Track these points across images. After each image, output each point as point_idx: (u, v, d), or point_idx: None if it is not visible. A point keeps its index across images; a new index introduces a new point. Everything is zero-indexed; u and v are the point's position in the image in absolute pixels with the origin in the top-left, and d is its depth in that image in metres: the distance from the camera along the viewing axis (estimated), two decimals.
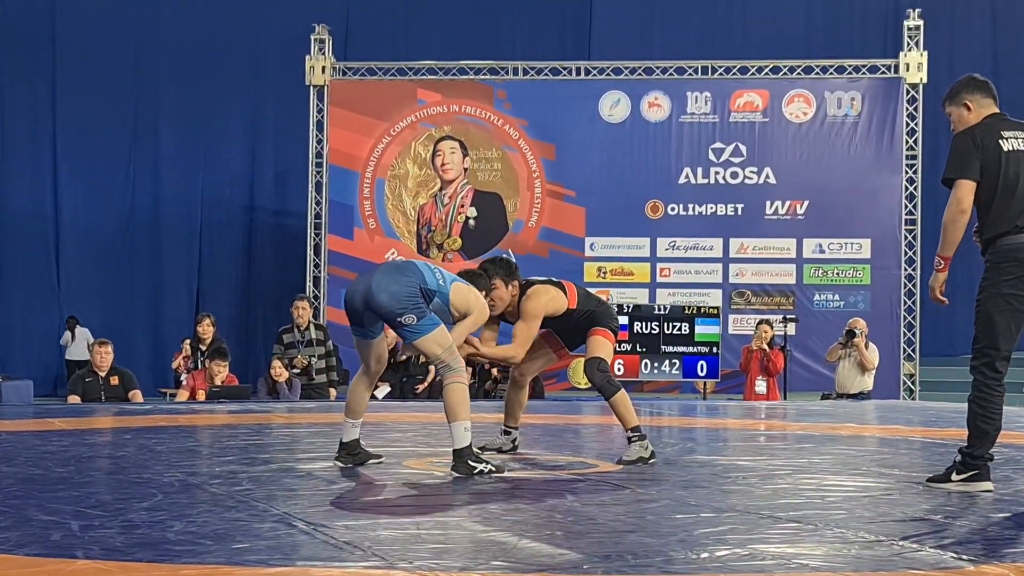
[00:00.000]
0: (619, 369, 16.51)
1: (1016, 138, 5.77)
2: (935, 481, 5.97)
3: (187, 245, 22.40)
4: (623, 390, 7.08)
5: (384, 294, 6.46)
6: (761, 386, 15.69)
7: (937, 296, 5.99)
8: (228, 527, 4.51)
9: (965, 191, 5.72)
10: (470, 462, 6.35)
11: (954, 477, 5.86)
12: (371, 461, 6.84)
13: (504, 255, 7.46)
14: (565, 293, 7.25)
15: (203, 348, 13.96)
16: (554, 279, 7.41)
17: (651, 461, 6.92)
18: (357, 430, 6.88)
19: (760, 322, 16.35)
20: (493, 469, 6.36)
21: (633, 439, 7.00)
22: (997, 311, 5.68)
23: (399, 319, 6.42)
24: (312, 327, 14.12)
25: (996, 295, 5.70)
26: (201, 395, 13.27)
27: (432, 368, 18.41)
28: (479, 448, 6.79)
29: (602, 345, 7.18)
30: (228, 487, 5.69)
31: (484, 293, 6.93)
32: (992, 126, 5.83)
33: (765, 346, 15.66)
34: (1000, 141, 5.73)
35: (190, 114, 22.53)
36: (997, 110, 5.96)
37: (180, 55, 22.66)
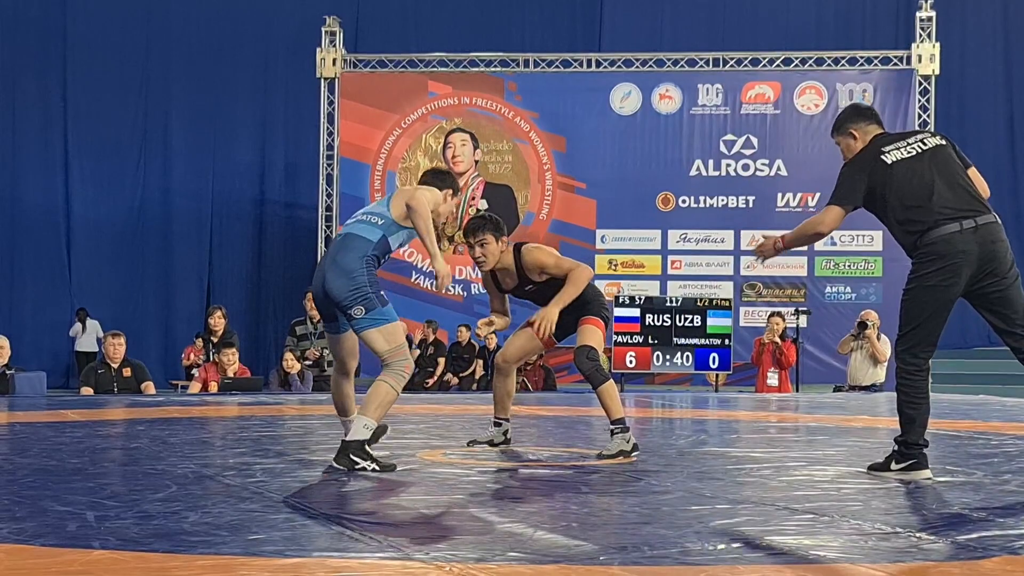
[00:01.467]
0: (631, 361, 16.51)
1: (897, 149, 5.96)
2: (875, 469, 6.09)
3: (197, 238, 22.42)
4: (611, 381, 7.00)
5: (334, 288, 6.19)
6: (773, 379, 15.66)
7: (760, 251, 6.36)
8: (243, 518, 4.50)
9: (834, 216, 6.01)
10: (353, 456, 6.03)
11: (893, 466, 5.98)
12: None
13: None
14: None
15: (214, 340, 13.97)
16: None
17: (633, 454, 6.79)
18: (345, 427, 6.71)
19: (772, 314, 16.32)
20: (377, 468, 5.98)
21: (616, 431, 6.89)
22: (918, 302, 5.81)
23: (349, 311, 6.18)
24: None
25: (920, 287, 5.81)
26: (213, 387, 13.28)
27: (441, 361, 18.45)
28: (470, 442, 6.99)
29: (592, 333, 7.05)
30: (242, 479, 5.68)
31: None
32: (871, 148, 6.04)
33: (777, 339, 15.63)
34: (882, 157, 5.94)
35: (200, 107, 22.54)
36: (880, 131, 6.16)
37: (190, 48, 22.67)
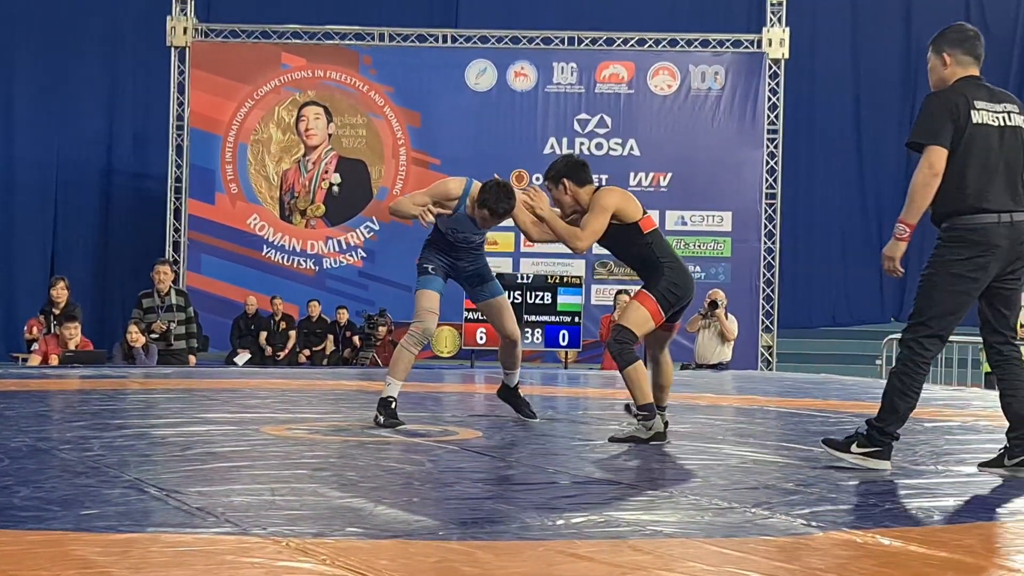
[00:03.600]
0: (482, 338, 16.55)
1: (987, 110, 5.46)
2: (831, 446, 5.71)
3: (41, 208, 21.82)
4: (635, 365, 6.44)
5: None
6: None
7: (895, 267, 5.51)
8: (77, 493, 4.40)
9: (937, 156, 5.41)
10: (379, 411, 7.03)
11: (853, 448, 5.59)
12: (521, 415, 7.66)
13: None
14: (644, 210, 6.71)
15: (56, 312, 13.64)
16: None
17: (652, 443, 6.39)
18: (511, 378, 7.66)
19: (619, 292, 16.50)
20: (381, 422, 6.96)
21: (639, 417, 6.50)
22: (939, 289, 5.41)
23: None
24: (173, 292, 13.87)
25: (944, 273, 5.41)
26: (54, 360, 12.99)
27: (292, 335, 18.30)
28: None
29: (633, 312, 6.53)
30: (79, 452, 5.56)
31: (565, 185, 6.75)
32: (964, 93, 5.50)
33: None
34: (972, 112, 5.44)
35: (45, 74, 21.92)
36: (977, 72, 5.60)
37: (35, 14, 22.03)
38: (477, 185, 7.11)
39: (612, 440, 6.50)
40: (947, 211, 5.46)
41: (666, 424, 6.63)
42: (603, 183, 18.93)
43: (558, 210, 6.86)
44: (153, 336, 13.61)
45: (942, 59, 5.60)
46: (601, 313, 17.90)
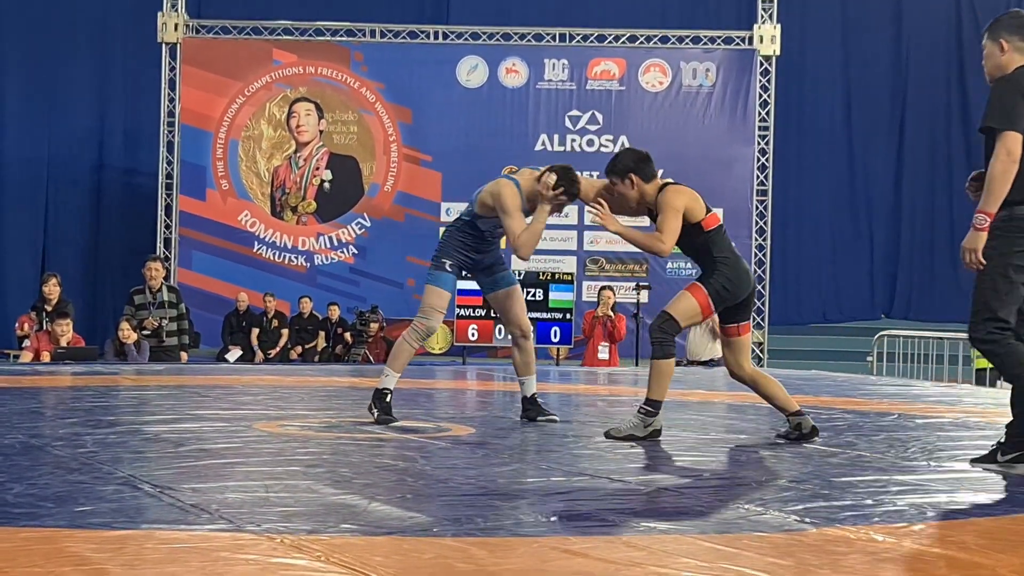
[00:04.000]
0: (473, 335, 16.55)
1: None
2: (979, 462, 5.60)
3: (32, 204, 21.77)
4: (667, 361, 6.35)
5: None
6: (604, 352, 15.88)
7: (977, 259, 5.30)
8: (71, 489, 4.40)
9: (1015, 142, 5.23)
10: (373, 402, 7.01)
11: (999, 457, 5.50)
12: (541, 418, 7.25)
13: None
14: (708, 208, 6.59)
15: (48, 309, 13.62)
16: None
17: (647, 440, 6.27)
18: (527, 386, 7.36)
19: (603, 288, 16.54)
20: (375, 412, 6.95)
21: (641, 411, 6.37)
22: (1004, 279, 5.30)
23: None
24: (164, 289, 13.85)
25: (1006, 264, 5.29)
26: (46, 356, 12.97)
27: (285, 333, 18.29)
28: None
29: (681, 300, 6.41)
30: (72, 449, 5.56)
31: (632, 180, 6.57)
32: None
33: (610, 312, 15.86)
34: None
35: (36, 71, 21.86)
36: None
37: (24, 10, 21.97)
38: (525, 174, 7.02)
39: (608, 436, 6.42)
40: (1010, 199, 5.30)
41: (813, 428, 6.54)
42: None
43: (625, 219, 6.76)
44: (145, 333, 13.60)
45: (999, 45, 5.51)
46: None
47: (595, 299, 18.60)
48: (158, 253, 18.53)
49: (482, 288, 7.42)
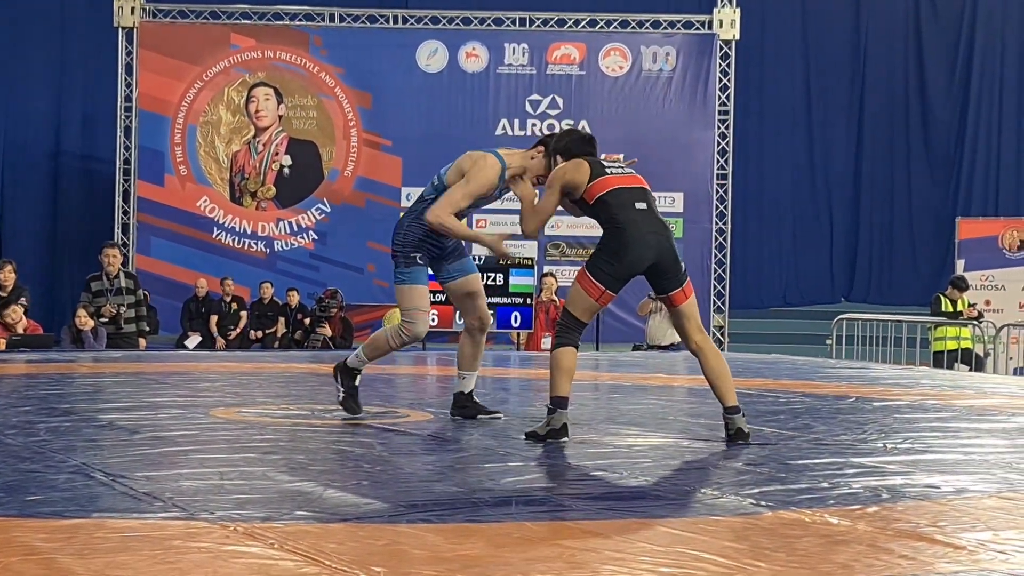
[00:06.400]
0: (433, 320, 16.48)
1: None
2: None
3: None
4: (562, 351, 5.84)
5: (392, 237, 6.65)
6: (547, 342, 15.89)
7: None
8: (22, 479, 4.36)
9: None
10: (338, 375, 6.58)
11: None
12: (483, 416, 6.67)
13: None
14: (602, 174, 5.99)
15: (3, 296, 13.50)
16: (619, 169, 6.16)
17: (549, 440, 5.72)
18: (468, 382, 6.78)
19: (544, 274, 16.58)
20: (342, 397, 6.55)
21: (549, 409, 5.84)
22: None
23: (394, 263, 6.63)
24: (122, 275, 13.76)
25: None
26: (1, 344, 12.86)
27: (243, 315, 18.20)
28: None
29: (572, 291, 5.99)
30: (24, 438, 5.51)
31: (547, 154, 6.31)
32: None
33: (553, 296, 15.94)
34: None
35: None
36: None
37: None
38: (509, 153, 6.57)
39: (526, 436, 5.86)
40: None
41: (740, 431, 5.79)
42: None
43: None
44: (103, 320, 13.51)
45: None
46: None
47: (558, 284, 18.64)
48: (116, 239, 18.39)
49: (440, 275, 6.76)
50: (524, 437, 5.85)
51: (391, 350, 6.61)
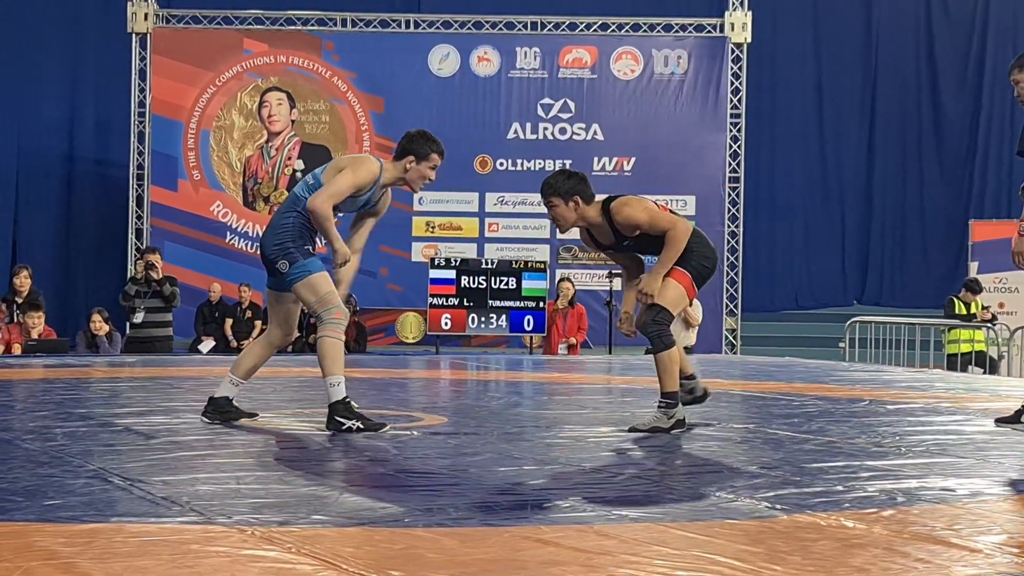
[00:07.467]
0: (446, 324, 16.52)
1: None
2: (1004, 422, 6.45)
3: (2, 195, 21.66)
4: (671, 351, 6.33)
5: (263, 243, 6.40)
6: (563, 348, 15.94)
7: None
8: (40, 483, 4.38)
9: None
10: (337, 418, 6.12)
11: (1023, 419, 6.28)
12: (243, 420, 6.56)
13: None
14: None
15: (19, 301, 13.55)
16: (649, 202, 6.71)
17: (673, 431, 6.23)
18: (235, 388, 6.63)
19: (561, 280, 16.60)
20: (361, 427, 6.07)
21: (660, 405, 6.36)
22: None
23: (275, 266, 6.31)
24: (167, 282, 13.82)
25: None
26: (16, 349, 12.91)
27: (258, 324, 18.22)
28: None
29: (669, 290, 6.33)
30: (42, 442, 5.53)
31: (576, 202, 6.49)
32: None
33: (569, 304, 15.98)
34: None
35: (5, 61, 21.72)
36: None
37: None
38: (389, 166, 6.73)
39: (632, 430, 6.31)
40: None
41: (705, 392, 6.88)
42: (567, 167, 19.06)
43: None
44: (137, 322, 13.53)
45: None
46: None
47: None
48: (129, 244, 18.43)
49: (275, 283, 6.51)
50: (628, 430, 6.30)
51: (343, 344, 6.37)
